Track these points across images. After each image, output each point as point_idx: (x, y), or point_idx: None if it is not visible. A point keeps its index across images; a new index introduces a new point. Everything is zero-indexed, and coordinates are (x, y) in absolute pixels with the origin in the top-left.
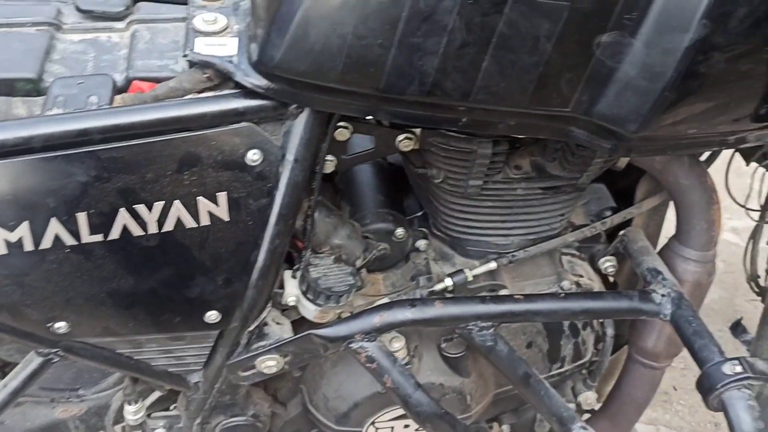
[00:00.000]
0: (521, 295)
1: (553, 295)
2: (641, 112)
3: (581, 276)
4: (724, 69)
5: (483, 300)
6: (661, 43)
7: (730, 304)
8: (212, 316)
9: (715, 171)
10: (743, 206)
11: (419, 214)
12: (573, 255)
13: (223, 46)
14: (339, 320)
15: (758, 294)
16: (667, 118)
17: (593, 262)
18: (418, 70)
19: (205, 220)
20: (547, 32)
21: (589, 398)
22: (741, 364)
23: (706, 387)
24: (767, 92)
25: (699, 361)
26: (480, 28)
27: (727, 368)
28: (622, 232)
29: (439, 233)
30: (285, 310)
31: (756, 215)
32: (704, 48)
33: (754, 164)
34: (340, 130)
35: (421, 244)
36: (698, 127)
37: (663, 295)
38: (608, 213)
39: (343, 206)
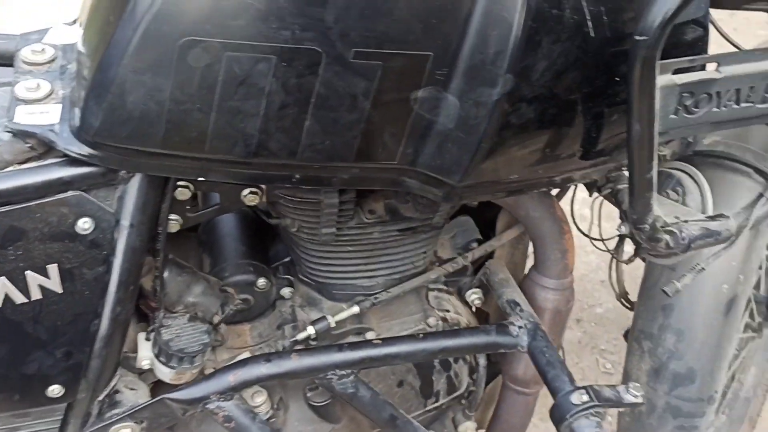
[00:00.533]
0: (379, 339)
1: (411, 337)
2: (462, 162)
3: (448, 311)
4: (535, 118)
5: (341, 348)
6: (472, 97)
7: (625, 313)
8: (55, 390)
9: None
10: (587, 235)
11: (286, 259)
12: (440, 290)
13: (45, 114)
14: (193, 382)
15: (631, 309)
16: (487, 167)
17: (461, 295)
18: (240, 132)
19: (36, 295)
20: (364, 90)
21: (469, 428)
22: (588, 392)
23: (557, 417)
24: (580, 136)
25: (552, 391)
26: (297, 89)
27: (575, 398)
28: (484, 265)
29: (305, 279)
30: (142, 373)
31: (609, 244)
32: (512, 100)
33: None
34: (180, 189)
35: (286, 291)
36: (521, 172)
37: (520, 327)
38: (474, 245)
39: (204, 259)
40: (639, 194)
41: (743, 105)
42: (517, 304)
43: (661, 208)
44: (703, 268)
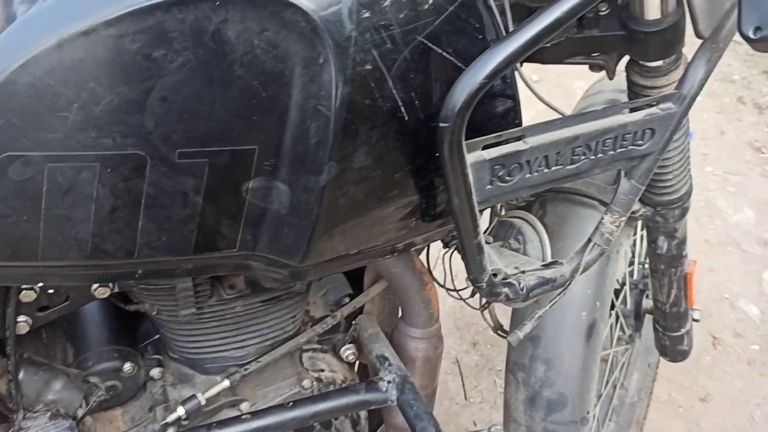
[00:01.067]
0: (248, 414)
1: (280, 407)
2: (301, 245)
3: (322, 370)
4: (364, 198)
5: (208, 428)
6: (301, 184)
7: None
8: None
9: None
10: (442, 285)
11: (155, 337)
12: (314, 349)
13: None
14: None
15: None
16: (327, 246)
17: (336, 352)
18: (72, 238)
19: None
20: (194, 187)
21: None
22: None
23: None
24: (412, 207)
25: None
26: (125, 193)
27: None
28: (355, 320)
29: (174, 356)
30: None
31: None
32: (339, 184)
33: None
34: (24, 292)
35: (156, 372)
36: (363, 245)
37: (389, 382)
38: (347, 300)
39: (67, 349)
40: (471, 258)
41: (554, 168)
42: (386, 358)
43: (502, 260)
44: (540, 316)
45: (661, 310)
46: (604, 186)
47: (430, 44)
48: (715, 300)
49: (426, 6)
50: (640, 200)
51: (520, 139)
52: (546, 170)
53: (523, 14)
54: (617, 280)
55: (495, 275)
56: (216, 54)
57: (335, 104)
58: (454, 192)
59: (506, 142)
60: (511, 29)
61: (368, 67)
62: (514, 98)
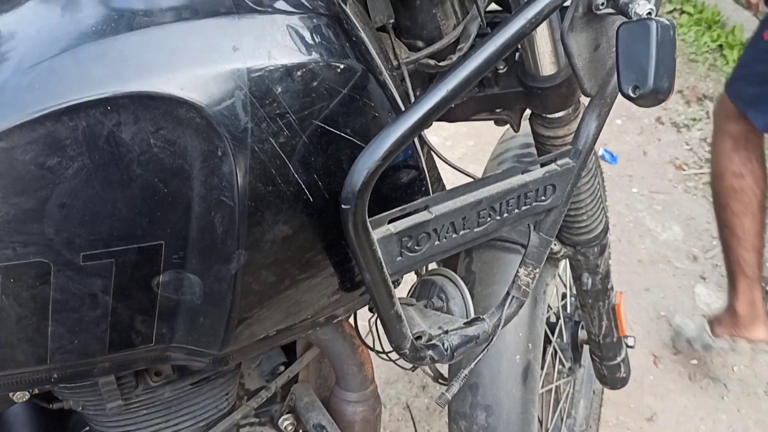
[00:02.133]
0: None
1: None
2: (218, 334)
3: None
4: (278, 280)
5: None
6: (212, 274)
7: None
8: None
9: None
10: (371, 348)
11: (87, 429)
12: (252, 423)
13: None
14: None
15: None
16: (246, 331)
17: (274, 423)
18: None
19: None
20: (102, 287)
21: None
22: None
23: None
24: (328, 282)
25: None
26: (32, 300)
27: None
28: (291, 389)
29: None
30: None
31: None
32: (251, 271)
33: None
34: None
35: None
36: (283, 325)
37: None
38: (281, 369)
39: None
40: (391, 328)
41: (461, 233)
42: (323, 427)
43: (426, 320)
44: (467, 375)
45: (595, 342)
46: (526, 231)
47: (327, 127)
48: (652, 319)
49: (320, 91)
50: (561, 241)
51: (425, 209)
52: (454, 235)
53: (426, 80)
54: (553, 313)
55: (419, 338)
56: (112, 156)
57: (238, 194)
58: (365, 269)
59: (412, 213)
60: (413, 98)
61: (267, 155)
62: (418, 167)
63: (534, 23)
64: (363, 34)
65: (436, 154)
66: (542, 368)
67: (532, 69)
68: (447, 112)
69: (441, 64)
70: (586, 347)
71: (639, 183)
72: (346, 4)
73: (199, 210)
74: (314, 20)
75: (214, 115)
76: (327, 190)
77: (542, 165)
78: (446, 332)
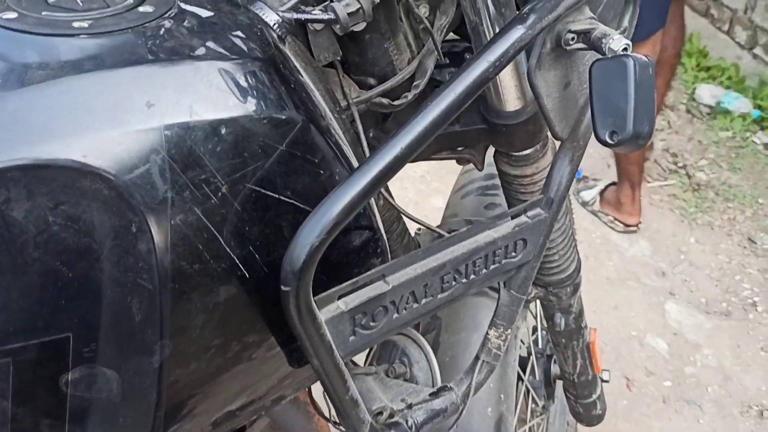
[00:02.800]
0: None
1: None
2: (146, 430)
3: None
4: (214, 368)
5: None
6: (131, 368)
7: None
8: None
9: None
10: (328, 419)
11: None
12: None
13: None
14: None
15: None
16: (177, 428)
17: None
18: None
19: None
20: (0, 392)
21: None
22: None
23: None
24: (271, 364)
25: None
26: None
27: None
28: None
29: None
30: None
31: None
32: (179, 362)
33: None
34: None
35: None
36: (221, 413)
37: None
38: None
39: None
40: (346, 415)
41: (423, 302)
42: None
43: (387, 393)
44: None
45: (569, 380)
46: None
47: (263, 191)
48: (623, 339)
49: (252, 149)
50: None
51: (381, 280)
52: (415, 305)
53: (379, 119)
54: (525, 348)
55: (380, 414)
56: (2, 239)
57: (158, 275)
58: (312, 354)
59: (366, 285)
60: (364, 142)
61: (192, 228)
62: (373, 227)
63: (498, 66)
64: (305, 77)
65: (397, 209)
66: (515, 413)
67: (495, 104)
68: None
69: (395, 103)
70: (559, 381)
71: None
72: (284, 44)
73: (113, 296)
74: (245, 66)
75: (126, 185)
76: (266, 263)
77: (512, 217)
78: (410, 406)
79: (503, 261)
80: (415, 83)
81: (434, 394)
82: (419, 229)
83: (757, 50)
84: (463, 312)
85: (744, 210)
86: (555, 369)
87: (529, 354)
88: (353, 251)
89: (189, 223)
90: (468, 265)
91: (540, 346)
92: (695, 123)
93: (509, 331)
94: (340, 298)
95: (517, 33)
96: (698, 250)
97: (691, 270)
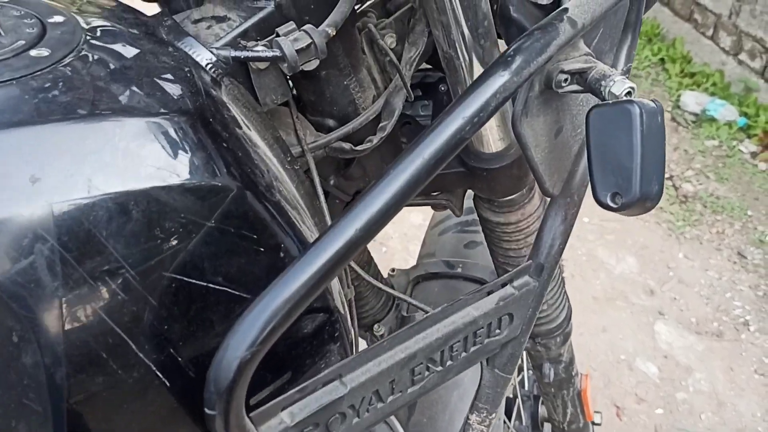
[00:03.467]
0: None
1: None
2: None
3: None
4: None
5: None
6: None
7: None
8: None
9: None
10: None
11: None
12: None
13: None
14: None
15: None
16: None
17: None
18: None
19: None
20: None
21: None
22: None
23: None
24: None
25: None
26: None
27: None
28: None
29: None
30: None
31: None
32: None
33: None
34: None
35: None
36: None
37: None
38: None
39: None
40: None
41: (390, 399)
42: None
43: None
44: None
45: (559, 428)
46: (484, 265)
47: (186, 279)
48: (612, 363)
49: (170, 229)
50: None
51: (336, 381)
52: (380, 405)
53: (341, 166)
54: (511, 390)
55: None
56: None
57: (50, 394)
58: None
59: (317, 389)
60: (321, 195)
61: (93, 333)
62: (329, 309)
63: (477, 123)
64: (245, 128)
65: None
66: None
67: (475, 146)
68: None
69: (358, 148)
70: (547, 425)
71: (589, 212)
72: (219, 88)
73: None
74: (164, 123)
75: (3, 285)
76: (193, 368)
77: (495, 289)
78: None
79: (486, 341)
80: (381, 125)
81: None
82: (393, 270)
83: (742, 56)
84: None
85: (733, 223)
86: (543, 411)
87: (515, 396)
88: (303, 339)
89: (88, 327)
90: (444, 351)
91: (526, 388)
92: (680, 131)
93: (494, 416)
94: (284, 409)
95: (499, 80)
96: (687, 266)
97: (680, 287)
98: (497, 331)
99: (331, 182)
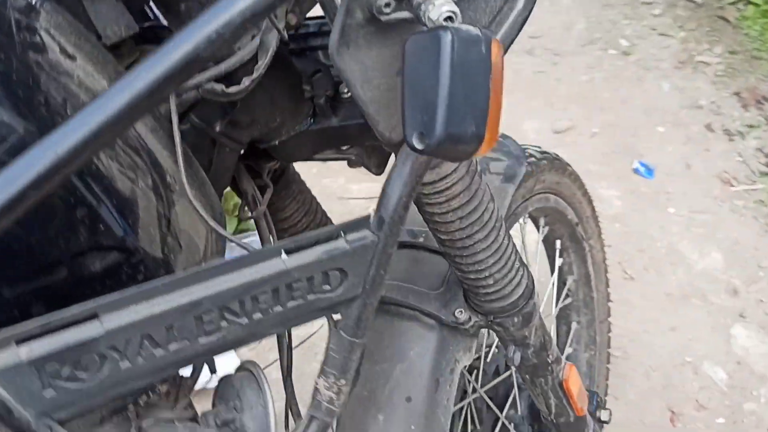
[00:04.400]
0: None
1: None
2: None
3: None
4: None
5: None
6: None
7: None
8: None
9: None
10: None
11: None
12: None
13: None
14: None
15: None
16: None
17: None
18: None
19: None
20: None
21: None
22: None
23: None
24: None
25: None
26: None
27: None
28: None
29: None
30: None
31: None
32: None
33: None
34: None
35: None
36: None
37: None
38: None
39: None
40: None
41: (174, 347)
42: None
43: None
44: None
45: (550, 422)
46: (427, 292)
47: None
48: (675, 365)
49: None
50: (471, 308)
51: (93, 319)
52: (160, 351)
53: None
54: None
55: None
56: None
57: None
58: None
59: (65, 326)
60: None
61: None
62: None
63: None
64: (66, 62)
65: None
66: None
67: None
68: (279, 149)
69: (230, 90)
70: None
71: (678, 201)
72: (36, 15)
73: None
74: None
75: None
76: None
77: (323, 240)
78: None
79: (310, 296)
80: (256, 65)
81: None
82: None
83: None
84: (388, 339)
85: None
86: None
87: (511, 385)
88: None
89: None
90: (245, 302)
91: None
92: None
93: (344, 381)
94: (21, 343)
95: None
96: None
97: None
98: (326, 287)
99: (217, 129)
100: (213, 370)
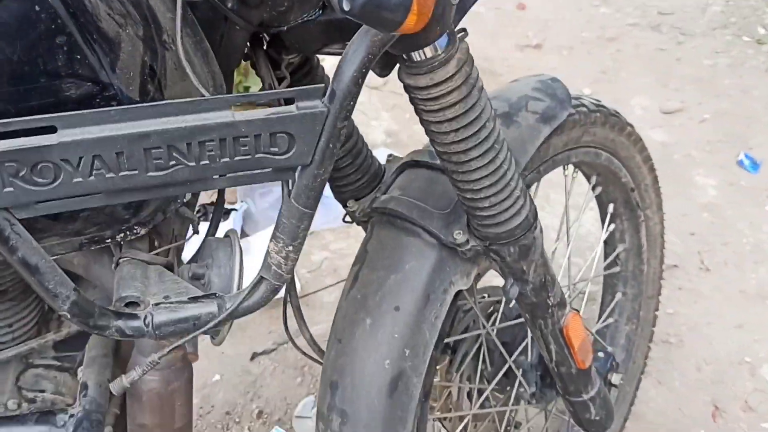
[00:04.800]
0: None
1: None
2: None
3: (43, 391)
4: None
5: None
6: None
7: None
8: None
9: None
10: None
11: None
12: (47, 366)
13: None
14: None
15: None
16: None
17: (76, 371)
18: None
19: None
20: None
21: None
22: None
23: None
24: None
25: None
26: None
27: None
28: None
29: None
30: None
31: None
32: None
33: None
34: None
35: None
36: None
37: (71, 416)
38: None
39: None
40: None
41: (123, 174)
42: (86, 386)
43: (155, 286)
44: (157, 362)
45: (552, 370)
46: (430, 210)
47: None
48: (733, 363)
49: None
50: (471, 232)
51: (50, 131)
52: (109, 174)
53: None
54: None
55: (130, 304)
56: None
57: None
58: None
59: (25, 132)
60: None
61: None
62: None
63: None
64: None
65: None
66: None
67: None
68: (287, 36)
69: None
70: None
71: None
72: None
73: None
74: None
75: None
76: None
77: (278, 102)
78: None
79: (257, 155)
80: None
81: (195, 299)
82: (390, 156)
83: None
84: (389, 250)
85: None
86: None
87: (524, 333)
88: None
89: None
90: (191, 145)
91: None
92: None
93: (291, 248)
94: None
95: None
96: None
97: None
98: (273, 149)
99: (228, 5)
100: (196, 231)
